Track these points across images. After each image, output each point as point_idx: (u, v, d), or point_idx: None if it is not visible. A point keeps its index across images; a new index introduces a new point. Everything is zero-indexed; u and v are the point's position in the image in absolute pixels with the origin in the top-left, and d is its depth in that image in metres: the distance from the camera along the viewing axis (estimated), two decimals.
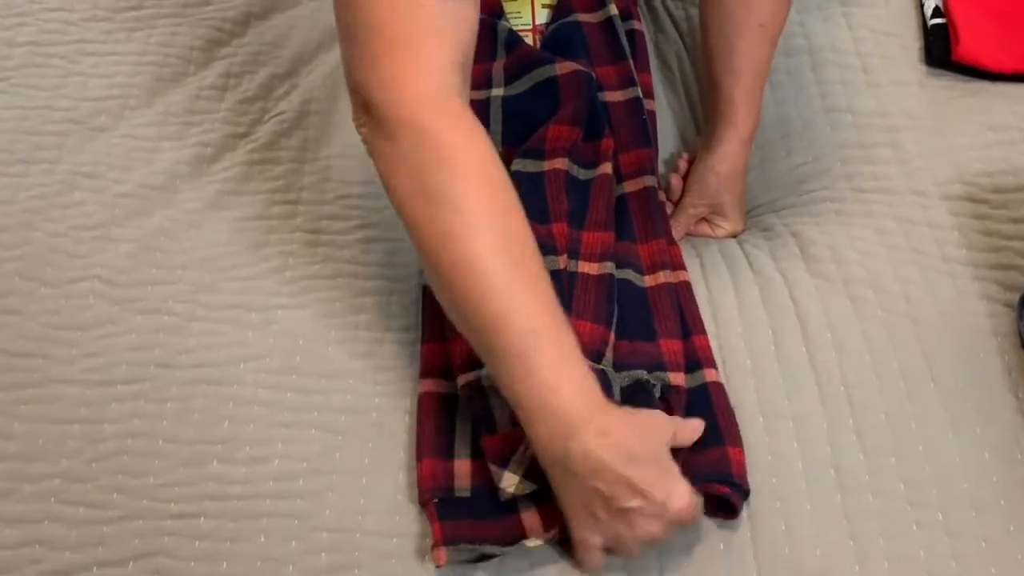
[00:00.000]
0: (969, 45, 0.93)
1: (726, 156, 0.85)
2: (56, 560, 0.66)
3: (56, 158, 0.89)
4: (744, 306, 0.79)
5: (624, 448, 0.59)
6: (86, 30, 0.99)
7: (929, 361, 0.75)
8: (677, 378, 0.72)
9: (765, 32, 0.82)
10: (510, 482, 0.64)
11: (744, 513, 0.67)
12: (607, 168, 0.84)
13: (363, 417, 0.73)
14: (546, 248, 0.76)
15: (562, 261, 0.76)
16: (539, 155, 0.83)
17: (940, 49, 0.95)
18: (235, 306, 0.79)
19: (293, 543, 0.67)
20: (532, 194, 0.78)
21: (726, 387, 0.73)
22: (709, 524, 0.67)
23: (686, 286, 0.80)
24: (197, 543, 0.66)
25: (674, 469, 0.61)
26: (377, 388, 0.75)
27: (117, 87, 0.94)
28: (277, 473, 0.70)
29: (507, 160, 0.84)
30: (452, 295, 0.61)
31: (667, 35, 1.02)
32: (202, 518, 0.68)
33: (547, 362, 0.59)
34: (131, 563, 0.66)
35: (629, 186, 0.85)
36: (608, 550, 0.63)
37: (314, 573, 0.65)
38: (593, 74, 0.88)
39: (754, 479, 0.69)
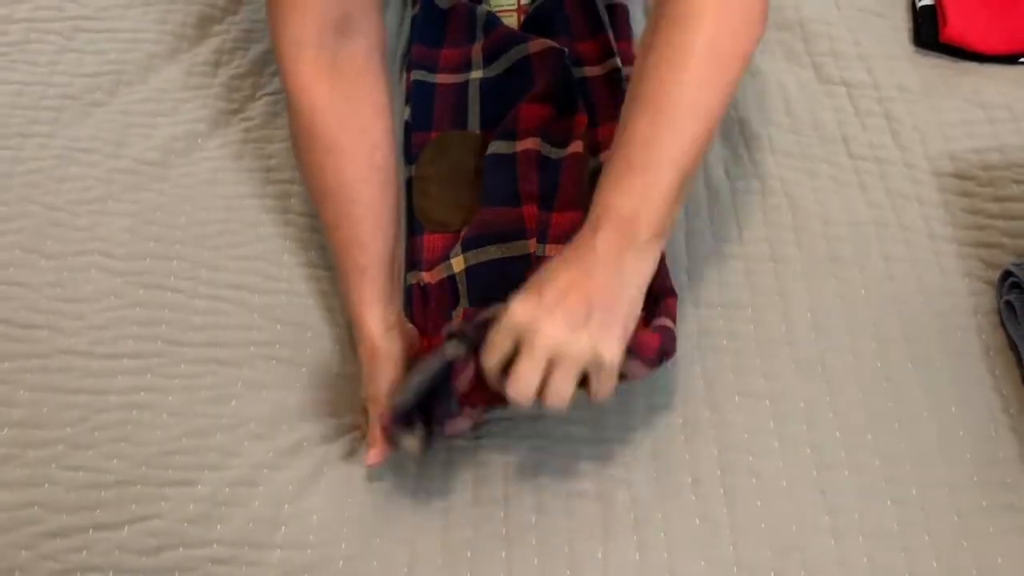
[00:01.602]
0: (957, 26, 0.93)
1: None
2: (54, 522, 0.68)
3: (51, 132, 0.90)
4: (725, 283, 0.80)
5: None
6: (82, 7, 1.00)
7: (908, 340, 0.76)
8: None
9: (643, 103, 0.65)
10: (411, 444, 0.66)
11: (720, 490, 0.69)
12: (578, 147, 0.84)
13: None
14: (515, 233, 0.78)
15: (531, 245, 0.78)
16: (511, 135, 0.84)
17: (928, 30, 0.95)
18: (237, 286, 0.81)
19: (287, 507, 0.69)
20: (502, 176, 0.79)
21: (699, 367, 0.75)
22: (684, 499, 0.68)
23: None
24: (192, 506, 0.69)
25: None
26: None
27: (112, 63, 0.95)
28: (279, 448, 0.72)
29: (487, 142, 0.85)
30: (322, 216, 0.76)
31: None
32: (199, 485, 0.70)
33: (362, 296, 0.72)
34: (126, 527, 0.68)
35: (605, 157, 0.86)
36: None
37: (304, 533, 0.68)
38: (566, 50, 0.88)
39: (730, 457, 0.70)
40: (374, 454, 0.68)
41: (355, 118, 0.73)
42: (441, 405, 0.65)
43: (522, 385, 0.60)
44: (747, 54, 0.66)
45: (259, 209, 0.85)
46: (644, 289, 0.64)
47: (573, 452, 0.71)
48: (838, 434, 0.71)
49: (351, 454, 0.72)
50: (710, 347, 0.76)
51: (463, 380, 0.63)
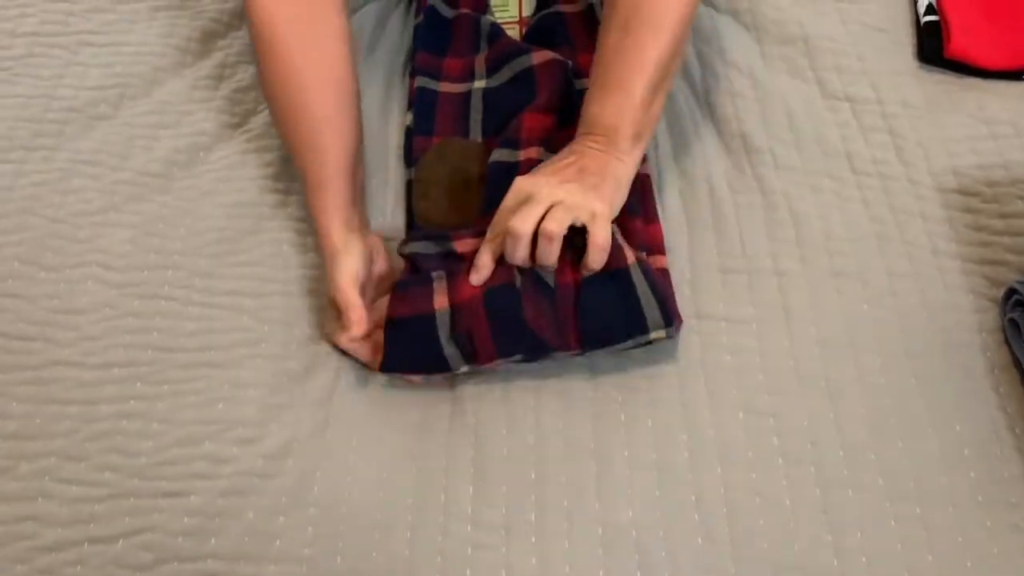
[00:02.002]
0: (961, 42, 0.93)
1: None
2: (48, 536, 0.68)
3: (56, 145, 0.90)
4: (729, 297, 0.79)
5: None
6: (87, 21, 1.01)
7: (912, 356, 0.75)
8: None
9: (615, 20, 0.76)
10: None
11: (723, 509, 0.68)
12: None
13: (354, 396, 0.75)
14: None
15: None
16: (514, 144, 0.84)
17: (932, 46, 0.94)
18: (232, 292, 0.81)
19: (281, 519, 0.68)
20: (506, 185, 0.79)
21: (703, 382, 0.74)
22: (687, 517, 0.68)
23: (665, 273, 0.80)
24: (186, 519, 0.68)
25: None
26: (367, 373, 0.76)
27: (116, 77, 0.96)
28: (267, 452, 0.71)
29: (489, 151, 0.85)
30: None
31: None
32: (192, 496, 0.69)
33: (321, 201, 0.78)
34: (121, 540, 0.68)
35: None
36: None
37: (301, 546, 0.67)
38: (569, 63, 0.88)
39: (733, 475, 0.69)
40: (357, 325, 0.73)
41: (313, 35, 0.79)
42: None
43: (524, 219, 0.70)
44: (677, 23, 0.75)
45: (256, 217, 0.85)
46: (627, 186, 0.75)
47: (576, 468, 0.70)
48: (841, 452, 0.71)
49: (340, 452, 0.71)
50: (713, 363, 0.75)
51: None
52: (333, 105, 0.79)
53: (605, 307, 0.72)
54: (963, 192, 0.85)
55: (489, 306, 0.72)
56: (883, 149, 0.89)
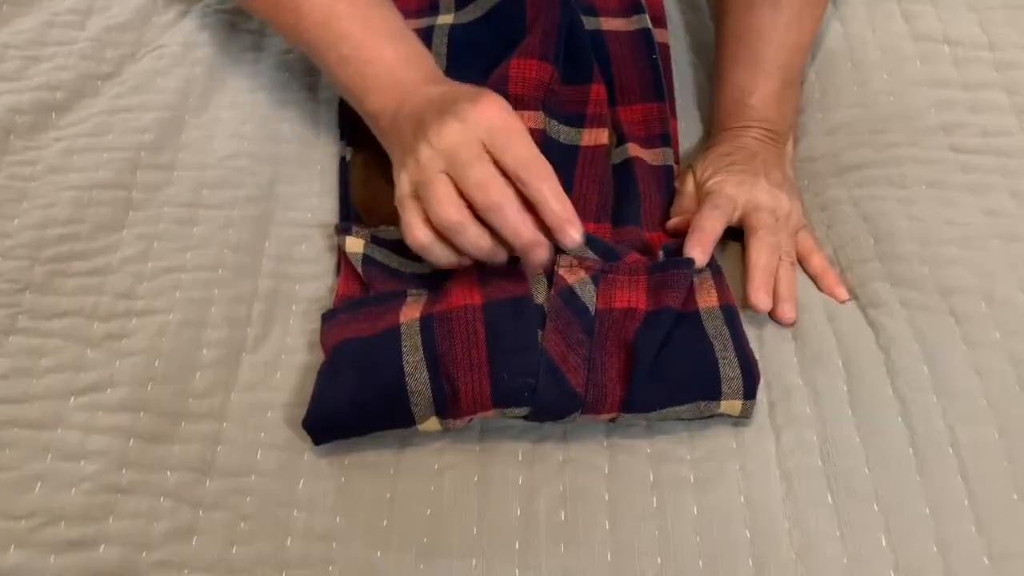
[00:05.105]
0: None
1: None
2: None
3: None
4: (801, 329, 0.55)
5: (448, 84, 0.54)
6: None
7: None
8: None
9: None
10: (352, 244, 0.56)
11: None
12: (601, 136, 0.61)
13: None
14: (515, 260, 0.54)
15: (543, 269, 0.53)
16: None
17: None
18: (72, 312, 0.55)
19: None
20: None
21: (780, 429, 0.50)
22: None
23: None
24: None
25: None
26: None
27: None
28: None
29: None
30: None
31: None
32: None
33: (360, 43, 0.56)
34: None
35: (633, 150, 0.61)
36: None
37: None
38: None
39: None
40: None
41: None
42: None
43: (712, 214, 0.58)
44: None
45: (122, 204, 0.60)
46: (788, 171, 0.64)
47: None
48: (986, 560, 0.46)
49: None
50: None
51: None
52: None
53: (665, 358, 0.50)
54: None
55: (491, 320, 0.48)
56: (998, 114, 0.64)
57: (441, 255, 0.48)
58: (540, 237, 0.47)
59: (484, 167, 0.46)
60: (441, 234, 0.48)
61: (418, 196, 0.48)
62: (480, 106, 0.47)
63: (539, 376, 0.48)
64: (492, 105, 0.48)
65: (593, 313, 0.51)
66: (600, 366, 0.49)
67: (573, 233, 0.47)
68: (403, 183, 0.49)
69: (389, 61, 0.54)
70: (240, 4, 0.63)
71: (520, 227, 0.46)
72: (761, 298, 0.55)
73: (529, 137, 0.47)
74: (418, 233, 0.48)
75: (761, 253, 0.56)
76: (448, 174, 0.47)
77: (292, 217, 0.60)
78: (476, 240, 0.47)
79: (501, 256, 0.48)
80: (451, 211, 0.46)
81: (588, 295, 0.51)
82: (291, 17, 0.57)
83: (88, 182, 0.61)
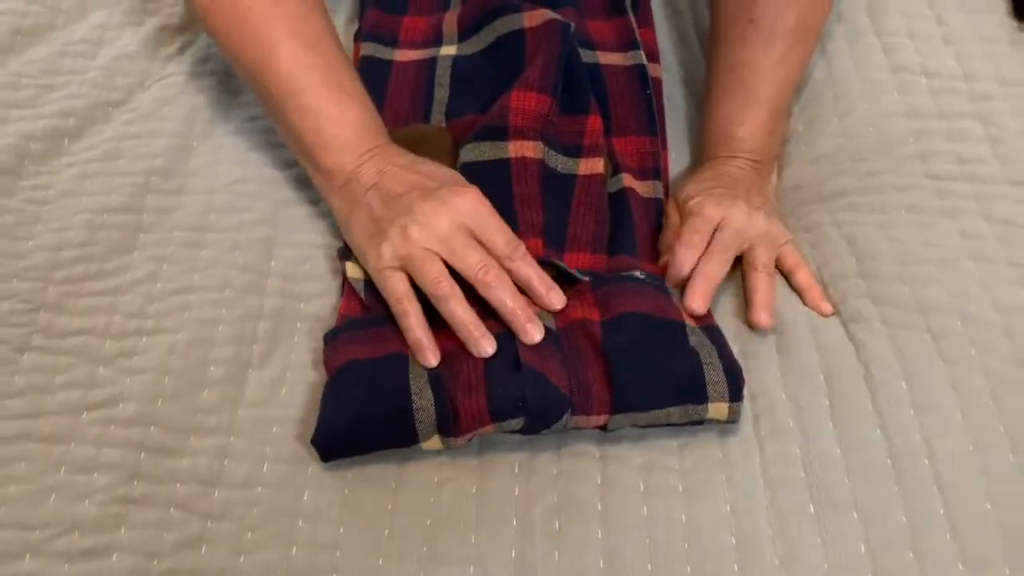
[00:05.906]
0: None
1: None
2: None
3: None
4: (785, 344, 0.57)
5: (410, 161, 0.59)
6: None
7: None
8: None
9: (755, 30, 0.66)
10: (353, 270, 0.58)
11: None
12: (596, 165, 0.63)
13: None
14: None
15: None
16: (500, 135, 0.62)
17: None
18: (85, 331, 0.57)
19: None
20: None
21: (762, 454, 0.52)
22: None
23: None
24: None
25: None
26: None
27: None
28: None
29: (457, 140, 0.62)
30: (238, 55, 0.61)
31: None
32: None
33: (323, 98, 0.59)
34: None
35: (627, 181, 0.64)
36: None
37: None
38: (573, 25, 0.67)
39: None
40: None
41: None
42: None
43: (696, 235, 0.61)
44: (820, 28, 0.69)
45: (132, 227, 0.63)
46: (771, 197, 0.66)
47: None
48: (960, 567, 0.48)
49: None
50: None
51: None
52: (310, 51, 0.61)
53: (646, 359, 0.53)
54: None
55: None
56: (972, 142, 0.67)
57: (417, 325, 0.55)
58: (532, 316, 0.54)
59: (479, 253, 0.54)
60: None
61: (403, 268, 0.55)
62: (464, 197, 0.55)
63: (525, 386, 0.50)
64: (473, 196, 0.55)
65: (556, 330, 0.54)
66: (578, 368, 0.52)
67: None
68: (385, 254, 0.55)
69: (353, 122, 0.59)
70: (209, 32, 0.64)
71: (516, 308, 0.54)
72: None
73: (506, 226, 0.56)
74: (405, 302, 0.54)
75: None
76: (436, 252, 0.54)
77: (296, 238, 0.63)
78: (463, 314, 0.53)
79: (480, 331, 0.54)
80: (444, 286, 0.54)
81: (547, 317, 0.55)
82: (258, 55, 0.59)
83: (100, 206, 0.63)
